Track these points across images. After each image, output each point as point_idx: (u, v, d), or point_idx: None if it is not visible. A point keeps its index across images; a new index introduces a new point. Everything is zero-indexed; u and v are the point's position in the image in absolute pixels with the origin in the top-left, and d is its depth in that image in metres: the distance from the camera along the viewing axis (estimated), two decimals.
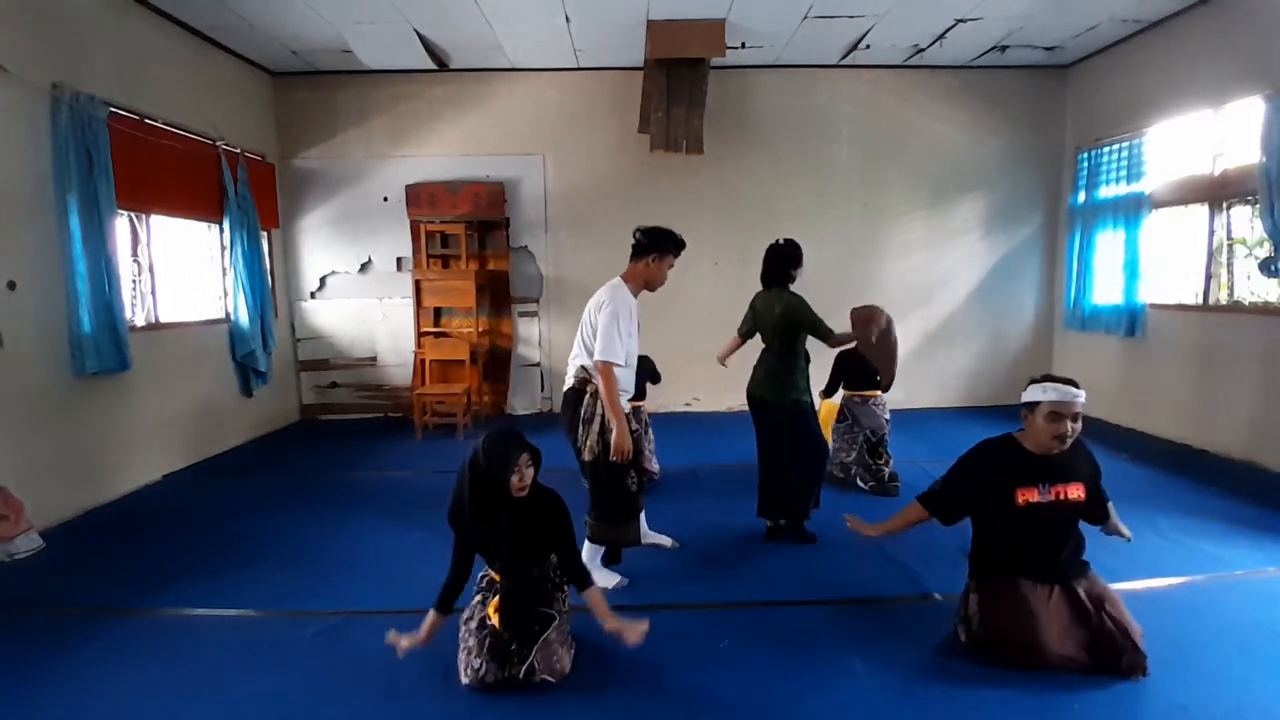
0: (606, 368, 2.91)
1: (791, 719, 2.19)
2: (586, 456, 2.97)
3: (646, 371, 4.53)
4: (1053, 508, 2.40)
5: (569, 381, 3.09)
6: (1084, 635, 2.32)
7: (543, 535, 2.42)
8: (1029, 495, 2.39)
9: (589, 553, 3.08)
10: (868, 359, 4.27)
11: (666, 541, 3.49)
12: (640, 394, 4.50)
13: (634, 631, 2.27)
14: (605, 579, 3.04)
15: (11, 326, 3.73)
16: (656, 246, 3.13)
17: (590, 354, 2.98)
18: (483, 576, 2.52)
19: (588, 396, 2.98)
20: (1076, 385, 2.36)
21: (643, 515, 3.21)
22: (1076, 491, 2.42)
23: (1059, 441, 2.35)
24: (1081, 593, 2.38)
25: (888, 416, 4.47)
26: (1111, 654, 2.29)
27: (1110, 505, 2.58)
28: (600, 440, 2.93)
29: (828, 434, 4.66)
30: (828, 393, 4.66)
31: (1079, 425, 2.36)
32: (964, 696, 2.26)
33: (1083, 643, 2.32)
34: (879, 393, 4.39)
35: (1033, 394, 2.40)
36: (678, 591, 3.05)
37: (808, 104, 6.64)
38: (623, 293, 3.08)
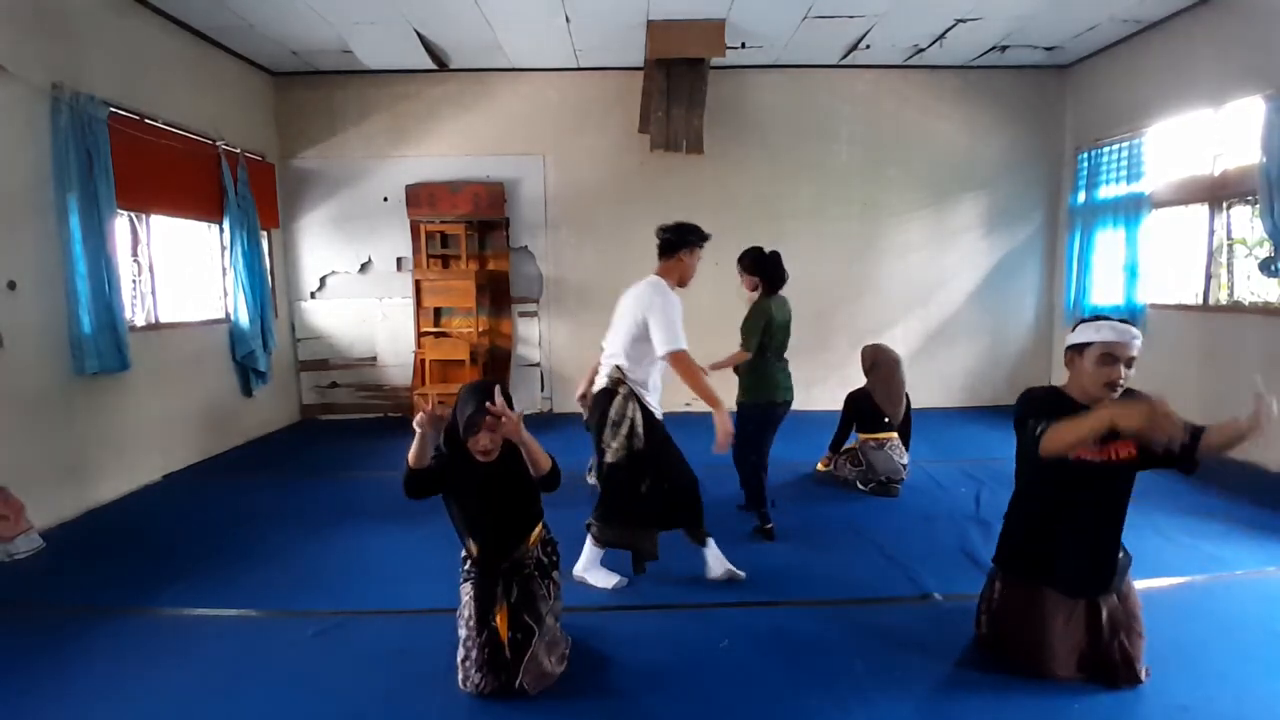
0: (681, 356, 2.92)
1: (791, 719, 2.19)
2: (609, 458, 2.95)
3: None
4: (1102, 469, 2.15)
5: (601, 382, 3.07)
6: (1090, 657, 2.27)
7: (519, 489, 2.34)
8: (1082, 450, 2.11)
9: (589, 554, 3.07)
10: (875, 398, 4.29)
11: (740, 575, 3.14)
12: None
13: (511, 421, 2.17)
14: (603, 579, 3.04)
15: (11, 326, 3.73)
16: (684, 241, 3.13)
17: (626, 354, 2.98)
18: (466, 558, 2.43)
19: (619, 398, 2.97)
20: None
21: (713, 543, 3.13)
22: (1127, 450, 2.14)
23: (1109, 390, 2.08)
24: (1105, 614, 2.24)
25: (905, 461, 4.32)
26: (1109, 672, 2.26)
27: (1200, 432, 2.05)
28: (627, 443, 2.92)
29: None
30: (835, 449, 4.57)
31: (1132, 374, 2.10)
32: (964, 696, 2.26)
33: (1086, 663, 2.27)
34: (894, 435, 4.32)
35: (1083, 334, 2.15)
36: (678, 592, 3.04)
37: (808, 104, 6.64)
38: (668, 288, 3.06)
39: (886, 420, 4.31)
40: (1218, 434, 2.04)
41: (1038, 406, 2.17)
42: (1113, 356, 2.10)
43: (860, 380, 4.52)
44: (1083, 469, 2.17)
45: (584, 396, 3.25)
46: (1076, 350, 2.20)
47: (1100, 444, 2.14)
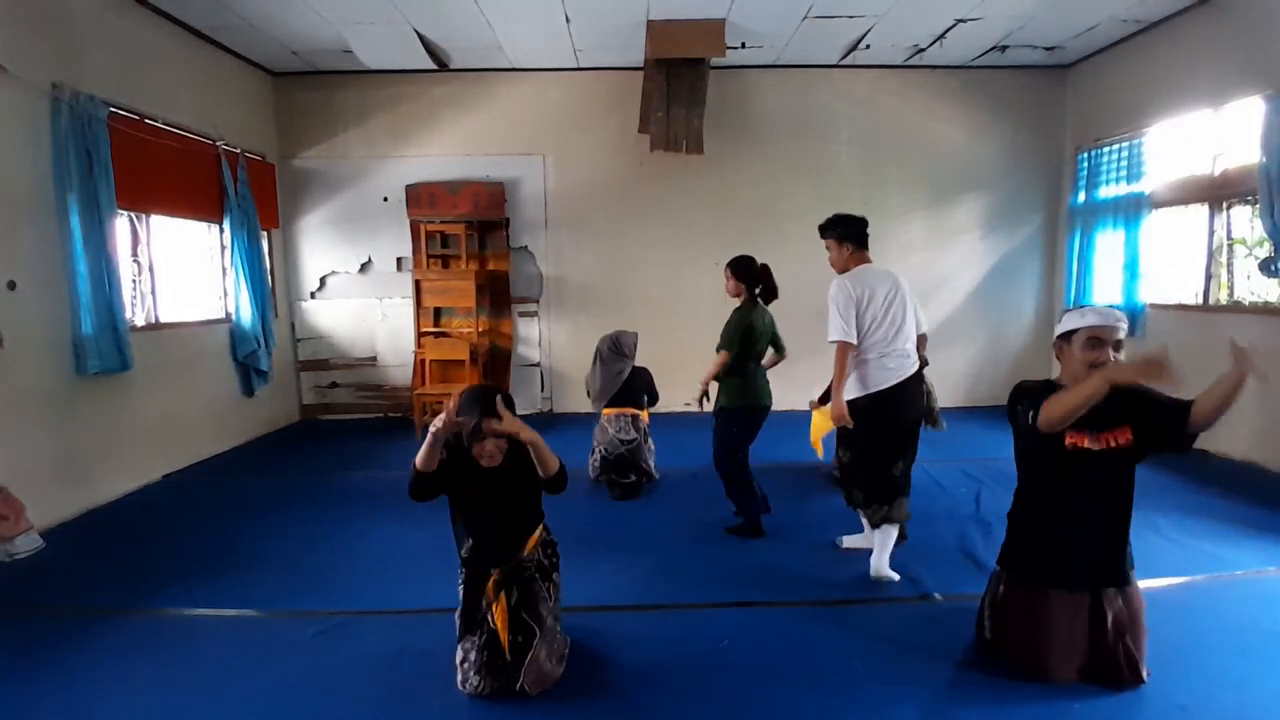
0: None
1: (791, 719, 2.19)
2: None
3: (644, 384, 4.58)
4: (1103, 457, 2.17)
5: (913, 369, 3.19)
6: (1092, 659, 2.26)
7: (521, 487, 2.33)
8: (1078, 439, 2.15)
9: (880, 540, 3.14)
10: None
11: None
12: (637, 404, 4.55)
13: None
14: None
15: (12, 326, 3.73)
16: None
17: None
18: (465, 549, 2.41)
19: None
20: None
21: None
22: (1124, 437, 2.17)
23: None
24: (1110, 614, 2.23)
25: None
26: (1112, 673, 2.25)
27: (1191, 404, 2.09)
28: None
29: (819, 443, 4.66)
30: (824, 400, 4.65)
31: (1122, 358, 2.15)
32: (964, 696, 2.26)
33: (1088, 667, 2.27)
34: None
35: (1069, 321, 2.22)
36: (678, 591, 3.04)
37: (808, 104, 6.64)
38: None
39: None
40: (1205, 399, 2.07)
41: (1028, 393, 2.23)
42: (1099, 339, 2.16)
43: None
44: (1081, 459, 2.18)
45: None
46: (1064, 338, 2.25)
47: (1097, 432, 2.16)
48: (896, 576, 3.10)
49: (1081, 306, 2.25)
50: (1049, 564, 2.29)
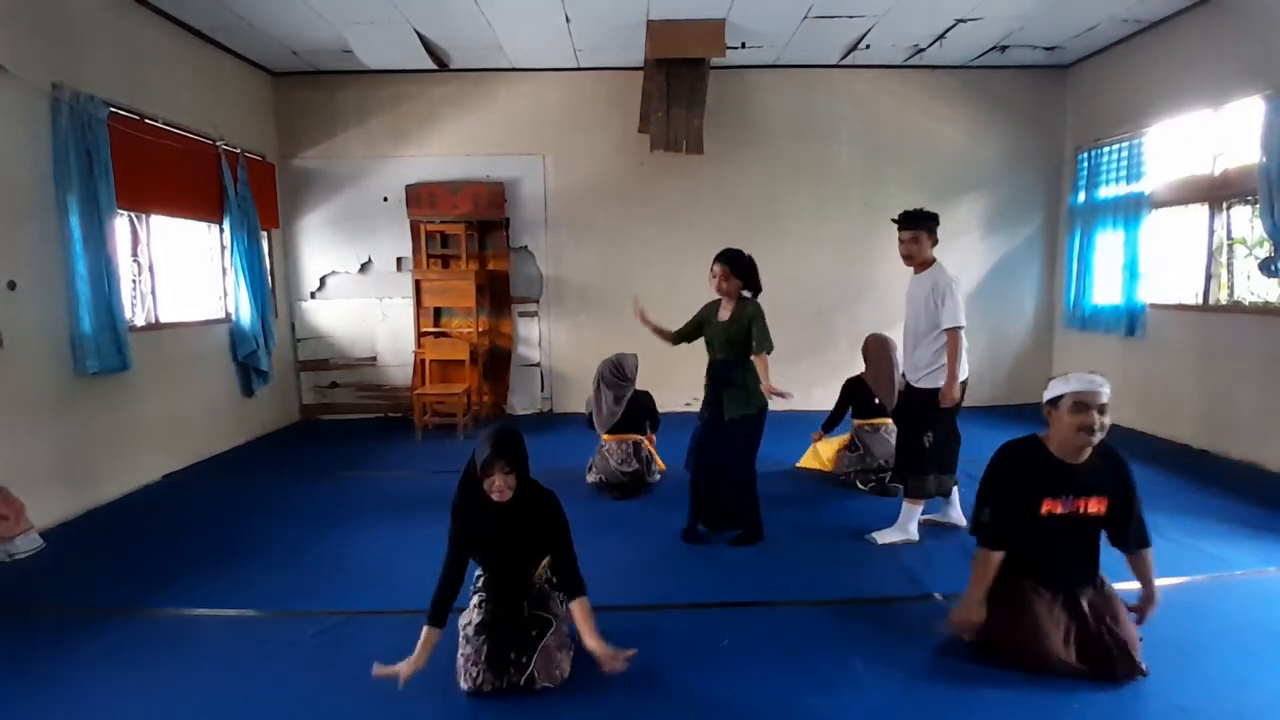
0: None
1: (791, 719, 2.19)
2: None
3: (645, 410, 4.46)
4: (1070, 519, 2.34)
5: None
6: (1084, 643, 2.30)
7: (534, 537, 2.38)
8: (1053, 507, 2.33)
9: (905, 513, 3.51)
10: (871, 386, 4.36)
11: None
12: (639, 429, 4.44)
13: (614, 660, 2.18)
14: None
15: (12, 326, 3.73)
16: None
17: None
18: (479, 577, 2.51)
19: None
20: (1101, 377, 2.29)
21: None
22: (1097, 506, 2.34)
23: (1086, 434, 2.24)
24: (1085, 604, 2.34)
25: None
26: (1107, 664, 2.27)
27: (1146, 551, 2.38)
28: None
29: (826, 464, 4.67)
30: (827, 428, 4.65)
31: (1107, 420, 2.26)
32: (964, 696, 2.26)
33: (1082, 651, 2.30)
34: (888, 420, 4.36)
35: (1055, 388, 2.33)
36: (677, 591, 3.05)
37: (808, 104, 6.64)
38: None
39: (879, 404, 4.38)
40: (1135, 566, 2.41)
41: (997, 482, 2.43)
42: (1084, 404, 2.25)
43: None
44: (1051, 521, 2.35)
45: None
46: (1052, 404, 2.34)
47: (1070, 498, 2.34)
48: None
49: (1065, 375, 2.35)
50: (1019, 570, 2.42)
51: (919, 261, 3.52)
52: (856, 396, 4.50)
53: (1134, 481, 2.37)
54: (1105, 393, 2.26)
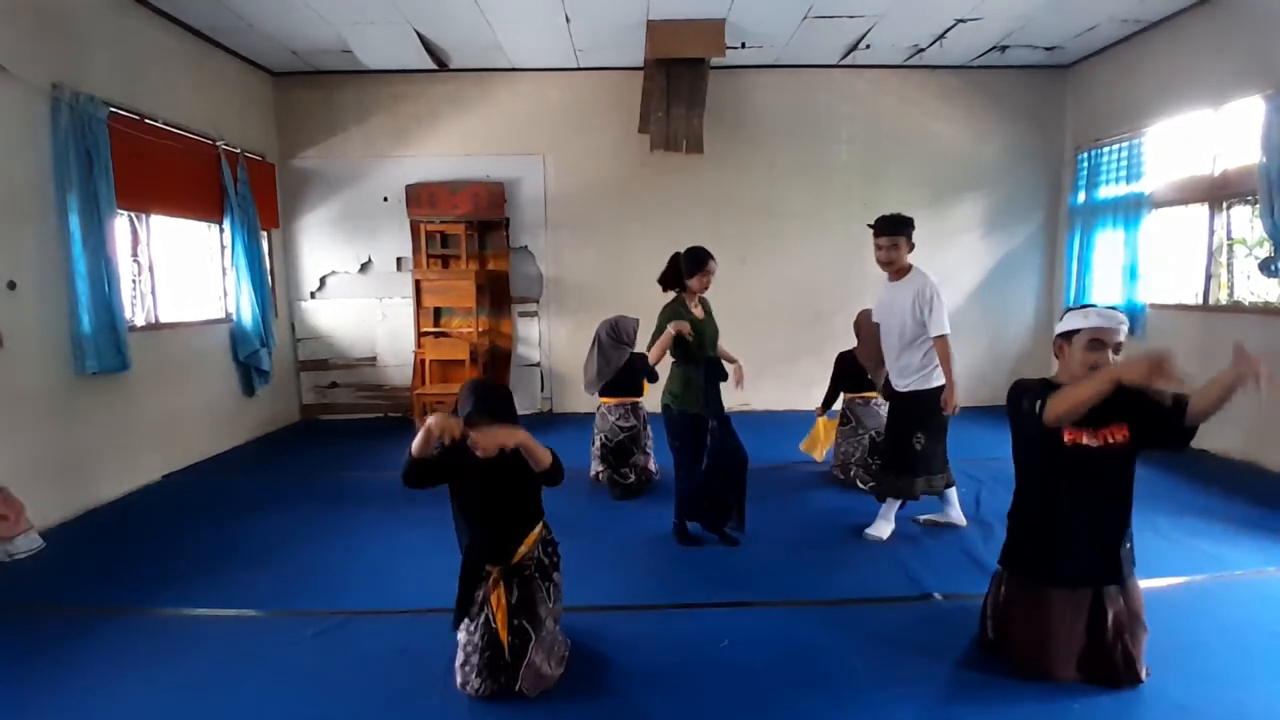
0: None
1: (791, 719, 2.18)
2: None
3: (641, 368, 4.48)
4: (1102, 454, 2.18)
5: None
6: (1091, 657, 2.27)
7: (514, 482, 2.32)
8: (1077, 435, 2.17)
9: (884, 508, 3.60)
10: (862, 361, 4.38)
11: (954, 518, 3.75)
12: (637, 391, 4.51)
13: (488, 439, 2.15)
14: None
15: (12, 326, 3.73)
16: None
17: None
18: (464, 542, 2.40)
19: None
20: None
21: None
22: (1121, 433, 2.18)
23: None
24: (1110, 613, 2.23)
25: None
26: (1111, 674, 2.25)
27: (1191, 404, 2.05)
28: None
29: (822, 452, 4.68)
30: (826, 406, 4.67)
31: (1119, 359, 2.17)
32: (964, 696, 2.26)
33: (1086, 663, 2.27)
34: (878, 394, 4.39)
35: (1071, 321, 2.21)
36: (677, 591, 3.04)
37: (808, 104, 6.64)
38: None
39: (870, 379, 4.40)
40: (1201, 397, 2.05)
41: (1030, 389, 2.23)
42: (1100, 341, 2.16)
43: None
44: (1080, 455, 2.19)
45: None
46: (1065, 338, 2.25)
47: (1095, 429, 2.16)
48: None
49: (1084, 306, 2.25)
50: (1049, 562, 2.29)
51: (897, 268, 3.55)
52: (847, 369, 4.54)
53: (1148, 392, 2.08)
54: (1123, 330, 2.17)
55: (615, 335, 4.42)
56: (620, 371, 4.41)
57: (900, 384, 3.56)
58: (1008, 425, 2.37)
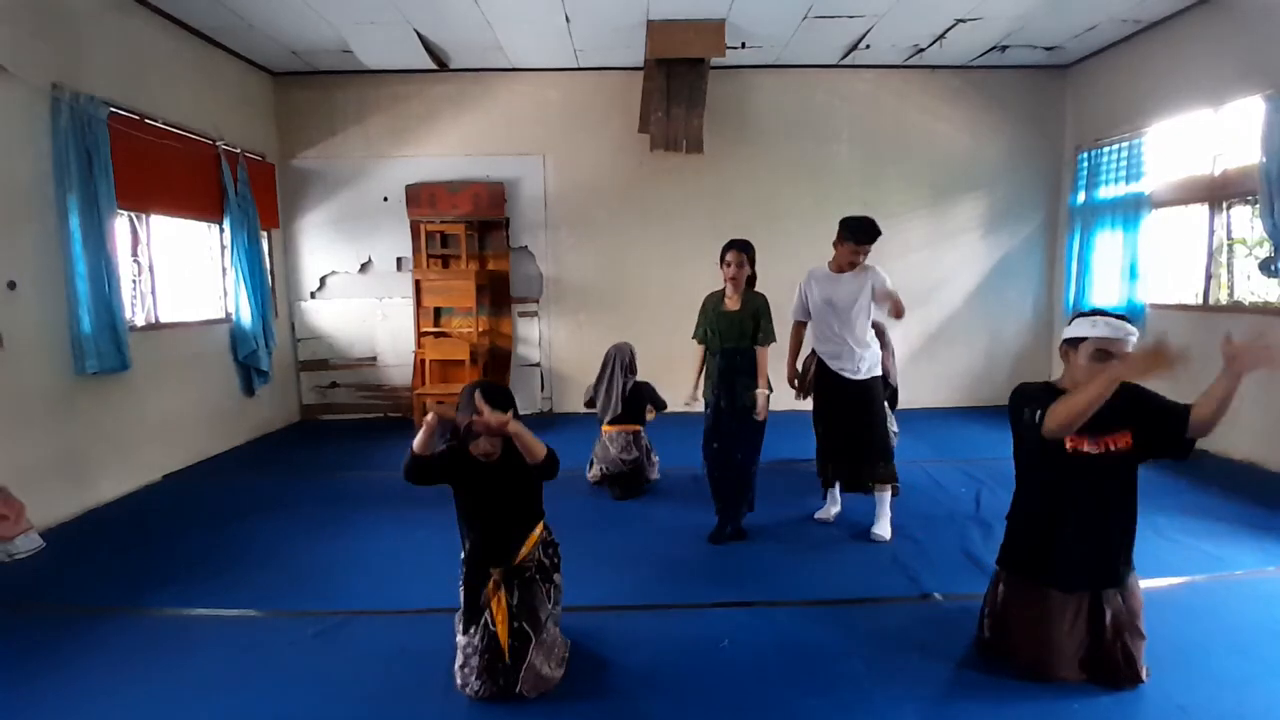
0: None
1: (791, 719, 2.19)
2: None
3: (648, 397, 4.45)
4: (1103, 461, 2.15)
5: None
6: (1091, 656, 2.27)
7: (515, 484, 2.32)
8: (1078, 442, 2.13)
9: (881, 500, 3.62)
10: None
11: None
12: (639, 420, 4.41)
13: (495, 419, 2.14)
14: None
15: (11, 326, 3.73)
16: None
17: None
18: (465, 559, 2.41)
19: None
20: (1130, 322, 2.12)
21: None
22: (1123, 440, 2.15)
23: None
24: (1109, 613, 2.23)
25: (896, 429, 4.48)
26: (1111, 674, 2.25)
27: (1193, 410, 2.05)
28: None
29: None
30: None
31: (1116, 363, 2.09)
32: (964, 696, 2.26)
33: (1087, 663, 2.27)
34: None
35: (1078, 328, 2.16)
36: (678, 592, 3.04)
37: (808, 104, 6.64)
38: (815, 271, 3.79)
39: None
40: (1203, 403, 2.04)
41: (1031, 396, 2.20)
42: (1106, 353, 2.10)
43: None
44: (1080, 462, 2.18)
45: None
46: (1071, 344, 2.20)
47: (1096, 436, 2.14)
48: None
49: (1094, 313, 2.18)
50: (1046, 564, 2.28)
51: (848, 267, 3.65)
52: None
53: (1152, 394, 2.16)
54: (1132, 342, 2.10)
55: (630, 366, 4.42)
56: (625, 400, 4.35)
57: (858, 372, 3.59)
58: (1008, 425, 2.36)
